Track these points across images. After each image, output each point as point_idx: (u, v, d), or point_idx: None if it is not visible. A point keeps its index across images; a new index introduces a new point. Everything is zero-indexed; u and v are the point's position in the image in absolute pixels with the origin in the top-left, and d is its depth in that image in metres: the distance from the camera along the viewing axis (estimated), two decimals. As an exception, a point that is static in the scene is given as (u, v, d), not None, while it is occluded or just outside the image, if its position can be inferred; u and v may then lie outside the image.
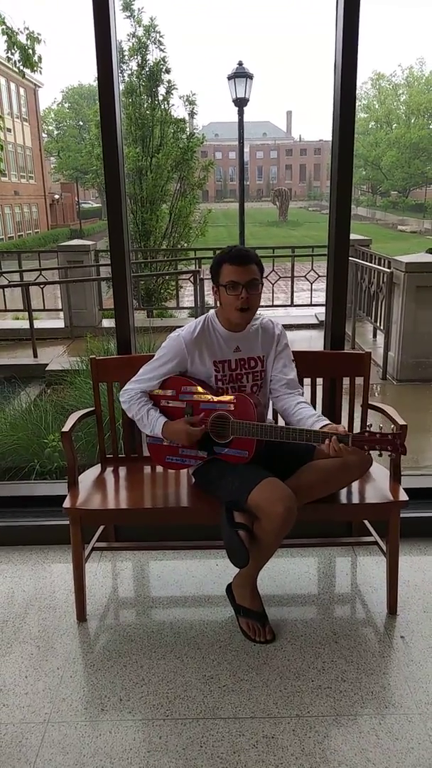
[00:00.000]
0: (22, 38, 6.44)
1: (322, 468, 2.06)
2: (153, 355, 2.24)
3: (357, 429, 2.45)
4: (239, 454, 2.05)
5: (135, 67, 10.03)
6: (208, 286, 8.38)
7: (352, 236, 2.58)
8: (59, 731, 1.79)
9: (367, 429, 1.94)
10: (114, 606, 2.36)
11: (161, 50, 10.06)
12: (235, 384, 2.14)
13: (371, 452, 1.95)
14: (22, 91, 33.63)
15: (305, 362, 2.30)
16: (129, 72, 10.03)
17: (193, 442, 2.09)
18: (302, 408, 2.10)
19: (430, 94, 41.77)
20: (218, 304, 2.13)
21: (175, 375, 2.16)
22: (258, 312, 2.17)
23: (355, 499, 2.21)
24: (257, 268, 2.06)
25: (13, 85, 31.60)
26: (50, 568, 2.59)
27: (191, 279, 8.12)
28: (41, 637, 2.18)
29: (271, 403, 2.24)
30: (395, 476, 2.26)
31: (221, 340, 2.14)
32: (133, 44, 9.97)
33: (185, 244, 10.82)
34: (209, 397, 2.10)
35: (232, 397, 2.08)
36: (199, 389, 2.12)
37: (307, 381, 2.43)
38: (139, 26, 9.96)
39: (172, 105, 10.33)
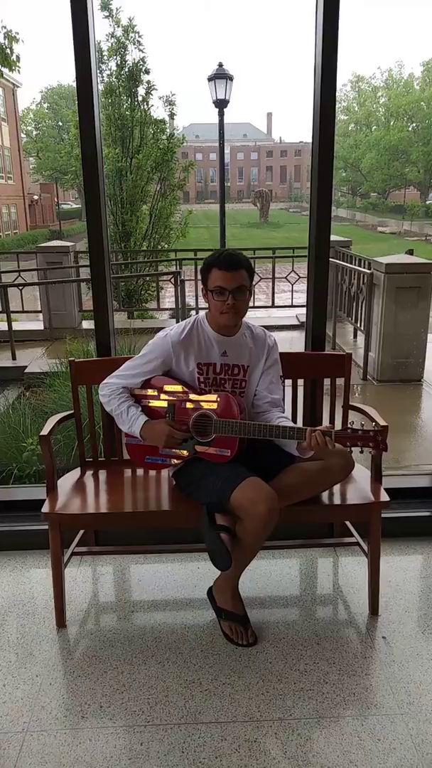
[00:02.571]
0: (-1, 37, 6.37)
1: (304, 470, 2.06)
2: (133, 357, 2.22)
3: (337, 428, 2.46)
4: (221, 453, 2.04)
5: (114, 68, 9.98)
6: (189, 287, 8.36)
7: (333, 237, 2.58)
8: (38, 740, 1.76)
9: (350, 426, 1.95)
10: (94, 611, 2.33)
11: (140, 50, 10.01)
12: (218, 388, 2.13)
13: (353, 449, 1.96)
14: (0, 90, 33.29)
15: (286, 363, 2.29)
16: (108, 72, 9.97)
17: (172, 444, 2.08)
18: (283, 421, 2.10)
19: (410, 96, 42.19)
20: (208, 306, 2.12)
21: (157, 375, 2.14)
22: (251, 320, 2.16)
23: (337, 500, 2.21)
24: (246, 274, 2.05)
25: (-9, 85, 31.25)
26: (29, 574, 2.55)
27: (172, 280, 8.09)
28: (20, 644, 2.15)
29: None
30: (376, 477, 2.26)
31: (209, 342, 2.12)
32: (112, 44, 9.91)
33: (166, 246, 10.78)
34: (192, 396, 2.09)
35: (215, 395, 2.07)
36: (182, 388, 2.10)
37: (288, 382, 2.43)
38: (118, 26, 9.91)
39: (152, 106, 10.29)
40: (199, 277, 2.14)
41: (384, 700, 1.88)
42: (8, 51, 6.39)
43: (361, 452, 1.97)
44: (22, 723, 1.82)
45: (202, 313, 2.19)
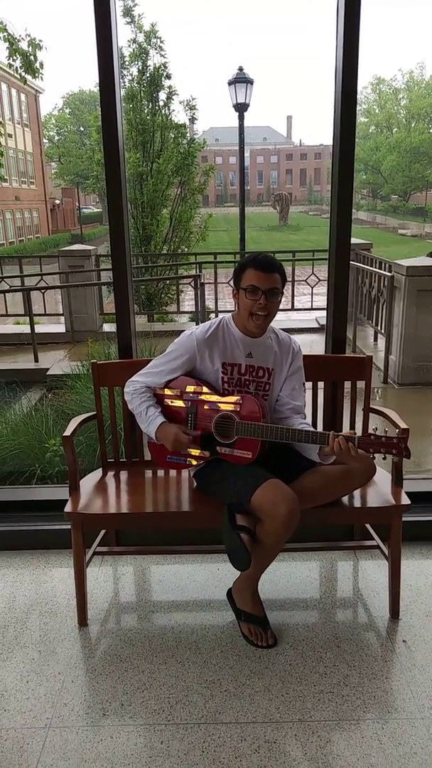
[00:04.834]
0: (23, 45, 6.46)
1: (325, 474, 2.06)
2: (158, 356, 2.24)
3: (359, 433, 2.45)
4: (242, 455, 2.05)
5: (136, 73, 10.05)
6: (208, 290, 8.39)
7: (353, 240, 2.58)
8: (60, 736, 1.79)
9: (372, 432, 1.95)
10: (115, 610, 2.36)
11: (162, 56, 10.08)
12: (241, 389, 2.14)
13: (375, 455, 1.96)
14: (23, 96, 33.75)
15: (307, 366, 2.30)
16: (130, 78, 10.04)
17: (178, 449, 2.09)
18: (305, 427, 2.10)
19: (431, 98, 41.87)
20: (236, 308, 2.13)
21: (182, 375, 2.16)
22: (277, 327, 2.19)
23: (357, 503, 2.20)
24: (279, 278, 2.07)
25: (14, 91, 31.72)
26: (51, 573, 2.58)
27: (192, 283, 8.12)
28: (42, 641, 2.18)
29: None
30: (397, 480, 2.25)
31: (235, 342, 2.14)
32: (133, 50, 9.99)
33: (186, 249, 10.82)
34: (215, 397, 2.10)
35: (238, 397, 2.08)
36: (205, 389, 2.12)
37: (308, 385, 2.43)
38: (140, 32, 9.99)
39: (173, 110, 10.33)
40: (227, 278, 2.15)
41: (404, 704, 1.87)
42: (32, 58, 6.48)
43: (384, 458, 1.96)
44: (45, 719, 1.85)
45: (228, 314, 2.21)
